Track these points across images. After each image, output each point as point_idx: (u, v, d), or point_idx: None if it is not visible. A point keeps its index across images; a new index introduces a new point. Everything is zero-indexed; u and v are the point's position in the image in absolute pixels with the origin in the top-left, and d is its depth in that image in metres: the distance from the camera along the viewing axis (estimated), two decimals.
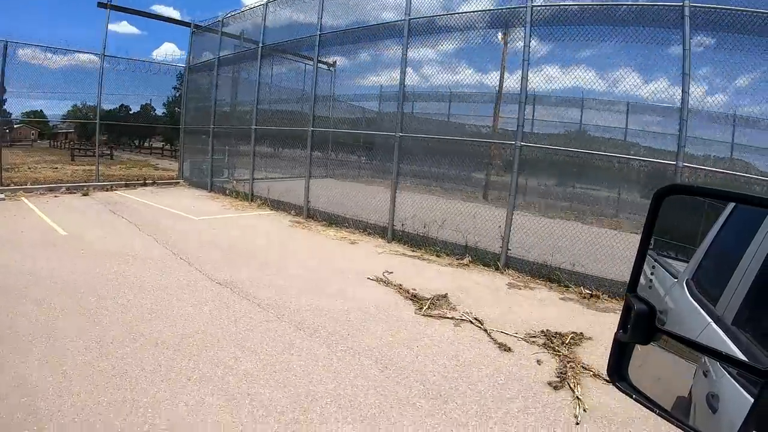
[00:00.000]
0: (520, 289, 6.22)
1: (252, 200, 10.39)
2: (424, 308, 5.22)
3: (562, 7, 6.61)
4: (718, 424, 0.82)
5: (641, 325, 0.90)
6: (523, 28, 6.55)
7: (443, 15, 7.37)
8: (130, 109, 16.45)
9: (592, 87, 6.49)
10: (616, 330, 0.94)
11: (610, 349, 1.09)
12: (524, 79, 6.54)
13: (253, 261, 6.48)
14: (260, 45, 10.07)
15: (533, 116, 6.58)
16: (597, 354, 4.24)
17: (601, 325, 4.99)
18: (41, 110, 16.29)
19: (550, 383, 3.68)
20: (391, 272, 6.31)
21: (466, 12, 6.97)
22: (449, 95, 8.00)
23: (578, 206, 6.81)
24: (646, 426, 3.08)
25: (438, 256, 7.34)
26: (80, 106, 15.44)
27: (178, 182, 12.86)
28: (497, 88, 6.93)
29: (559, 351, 4.34)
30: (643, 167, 6.20)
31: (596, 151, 6.32)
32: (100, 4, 11.42)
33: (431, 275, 6.47)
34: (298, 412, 2.92)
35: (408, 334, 4.49)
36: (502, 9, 6.72)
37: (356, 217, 8.41)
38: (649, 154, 6.37)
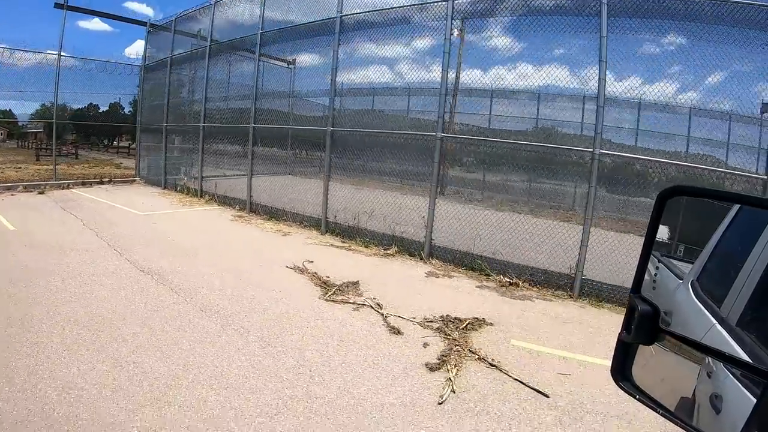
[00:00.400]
0: (438, 277, 6.32)
1: (201, 196, 10.48)
2: (329, 294, 5.32)
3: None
4: (721, 425, 0.81)
5: (645, 325, 0.90)
6: (444, 21, 6.70)
7: (371, 11, 7.51)
8: (99, 108, 16.72)
9: (510, 80, 6.64)
10: (619, 330, 0.94)
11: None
12: (444, 71, 6.65)
13: (182, 252, 6.58)
14: (208, 43, 10.22)
15: (453, 109, 6.70)
16: (490, 339, 4.35)
17: (508, 312, 5.11)
18: (10, 110, 16.44)
19: (427, 364, 3.75)
20: (312, 261, 6.41)
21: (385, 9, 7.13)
22: (373, 90, 8.12)
23: (501, 195, 6.91)
24: (510, 408, 3.17)
25: (366, 246, 7.43)
26: (48, 106, 15.52)
27: (135, 180, 12.91)
28: (416, 83, 7.05)
29: (450, 335, 4.41)
30: (563, 155, 6.31)
31: (510, 140, 6.45)
32: (57, 5, 11.56)
33: (351, 264, 6.57)
34: (171, 378, 3.21)
35: (304, 316, 4.61)
36: (423, 4, 6.85)
37: (294, 210, 8.51)
38: (567, 141, 6.50)
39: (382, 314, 4.79)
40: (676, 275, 1.05)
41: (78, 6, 11.57)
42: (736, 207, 0.99)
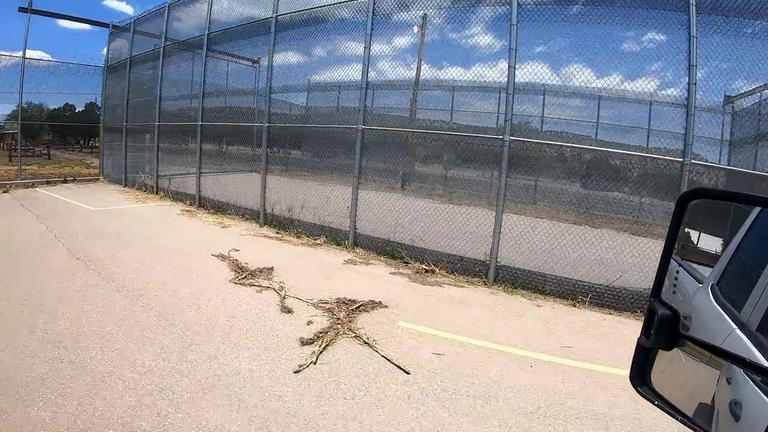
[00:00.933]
0: (355, 264, 6.58)
1: (156, 193, 10.75)
2: (240, 278, 5.60)
3: None
4: None
5: (665, 330, 0.90)
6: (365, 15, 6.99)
7: (300, 11, 7.81)
8: (75, 109, 17.07)
9: (431, 73, 6.91)
10: (639, 335, 0.95)
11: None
12: (365, 65, 6.95)
13: (120, 242, 6.83)
14: (162, 44, 10.57)
15: (372, 103, 7.00)
16: (378, 320, 4.54)
17: (410, 297, 5.31)
18: None
19: (301, 339, 3.95)
20: (238, 250, 6.68)
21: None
22: (309, 86, 8.41)
23: (423, 184, 7.19)
24: (363, 381, 3.35)
25: (298, 237, 7.71)
26: (25, 107, 15.91)
27: (99, 179, 13.15)
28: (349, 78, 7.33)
29: (336, 315, 4.64)
30: (475, 144, 6.57)
31: (427, 130, 6.74)
32: (21, 9, 11.94)
33: (275, 253, 6.84)
34: (58, 339, 3.61)
35: (207, 296, 4.86)
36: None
37: (237, 204, 8.78)
38: (481, 131, 6.76)
39: (282, 296, 5.03)
40: (695, 279, 1.03)
41: (41, 9, 11.91)
42: (757, 209, 0.95)
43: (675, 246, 0.97)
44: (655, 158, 5.81)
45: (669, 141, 5.90)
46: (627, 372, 2.98)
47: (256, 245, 7.20)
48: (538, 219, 6.67)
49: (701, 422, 0.85)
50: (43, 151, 15.58)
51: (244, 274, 5.71)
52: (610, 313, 5.25)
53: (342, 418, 2.87)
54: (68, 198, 10.52)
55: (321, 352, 3.76)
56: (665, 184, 5.68)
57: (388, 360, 3.70)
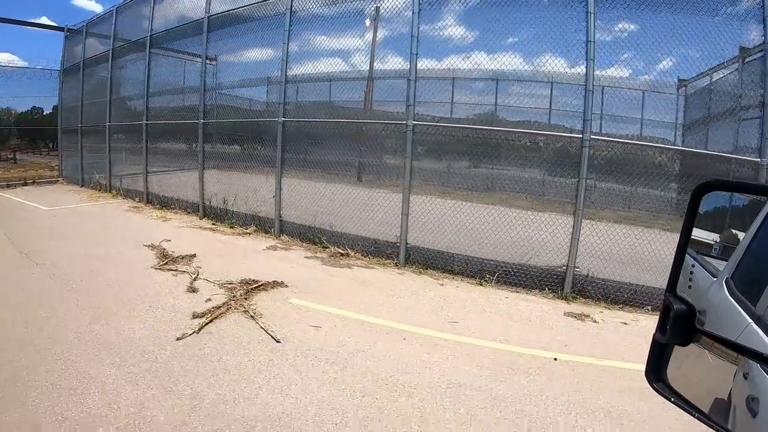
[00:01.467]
0: (276, 250, 6.94)
1: (110, 191, 11.05)
2: (162, 264, 5.99)
3: None
4: (757, 428, 0.80)
5: (680, 325, 0.89)
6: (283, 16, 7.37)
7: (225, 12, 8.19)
8: (43, 111, 17.35)
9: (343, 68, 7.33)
10: (654, 331, 0.94)
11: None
12: (284, 62, 7.32)
13: (64, 237, 7.06)
14: (111, 46, 10.94)
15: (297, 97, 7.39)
16: (273, 298, 4.86)
17: (314, 278, 5.65)
18: None
19: (194, 313, 4.25)
20: (170, 240, 7.02)
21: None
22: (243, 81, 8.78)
23: (344, 172, 7.57)
24: (234, 347, 3.68)
25: (231, 227, 8.07)
26: None
27: (59, 180, 13.40)
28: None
29: (234, 293, 5.06)
30: (386, 131, 6.95)
31: (337, 119, 7.15)
32: None
33: (204, 242, 7.18)
34: None
35: (127, 279, 5.24)
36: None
37: (180, 198, 9.18)
38: (389, 117, 7.13)
39: (193, 278, 5.40)
40: (710, 273, 1.01)
41: None
42: None
43: (689, 240, 0.94)
44: (557, 135, 6.22)
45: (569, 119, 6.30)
46: (504, 345, 3.43)
47: (188, 235, 7.57)
48: (450, 200, 6.96)
49: (718, 418, 0.84)
50: (8, 156, 15.90)
51: (166, 260, 6.08)
52: (517, 291, 5.51)
53: (200, 376, 3.20)
54: (24, 199, 10.83)
55: (207, 324, 4.08)
56: (565, 161, 6.00)
57: (264, 330, 4.00)
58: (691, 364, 0.96)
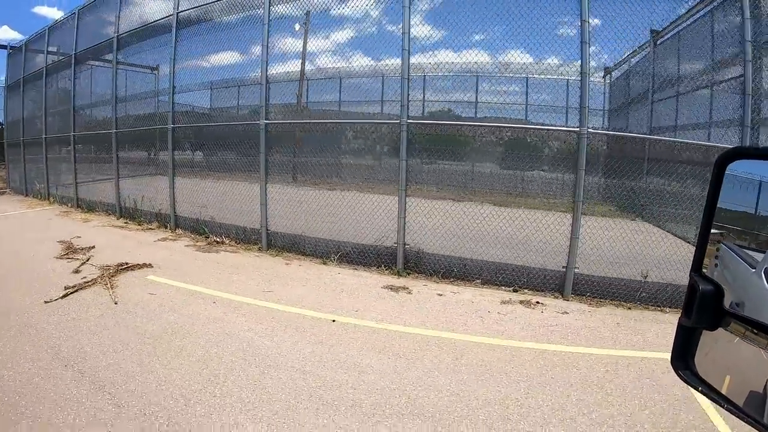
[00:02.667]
0: (165, 241, 7.92)
1: (48, 199, 12.20)
2: (64, 254, 6.97)
3: None
4: None
5: (707, 308, 0.85)
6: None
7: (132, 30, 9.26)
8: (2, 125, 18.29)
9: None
10: (680, 315, 0.91)
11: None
12: (171, 75, 8.40)
13: None
14: (45, 63, 12.07)
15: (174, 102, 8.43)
16: (136, 275, 5.87)
17: (180, 261, 6.67)
18: None
19: (66, 286, 5.25)
20: (80, 237, 8.04)
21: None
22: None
23: (220, 169, 8.54)
24: (81, 307, 4.65)
25: (139, 224, 9.10)
26: None
27: (6, 191, 14.55)
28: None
29: (105, 272, 6.09)
30: (241, 129, 7.90)
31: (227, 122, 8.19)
32: None
33: (109, 237, 8.14)
34: None
35: (29, 267, 6.21)
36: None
37: (103, 201, 10.26)
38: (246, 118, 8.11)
39: (81, 263, 6.39)
40: (748, 264, 0.93)
41: None
42: None
43: (714, 215, 0.90)
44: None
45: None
46: (297, 309, 4.64)
47: (99, 233, 8.60)
48: (301, 189, 7.73)
49: (751, 411, 0.79)
50: None
51: (68, 252, 7.09)
52: (355, 269, 6.40)
53: (51, 325, 4.18)
54: None
55: (72, 293, 5.11)
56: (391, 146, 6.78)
57: (110, 296, 5.02)
58: (721, 351, 0.91)
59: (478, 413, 2.95)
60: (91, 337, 3.99)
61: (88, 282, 5.55)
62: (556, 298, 5.57)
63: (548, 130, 5.97)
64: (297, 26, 8.13)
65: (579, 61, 5.38)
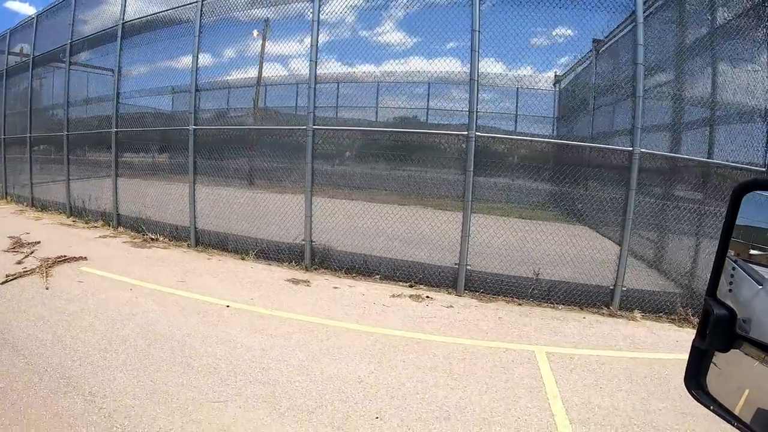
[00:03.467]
0: (105, 238, 8.56)
1: (5, 198, 12.75)
2: (11, 248, 7.56)
3: None
4: None
5: (721, 330, 0.89)
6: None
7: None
8: None
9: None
10: (694, 336, 0.95)
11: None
12: (116, 78, 9.10)
13: None
14: (6, 67, 12.70)
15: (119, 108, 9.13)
16: (71, 267, 6.49)
17: (113, 255, 7.32)
18: None
19: (7, 274, 5.87)
20: (29, 233, 8.63)
21: None
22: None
23: (158, 170, 9.22)
24: (10, 291, 5.48)
25: (86, 222, 9.71)
26: None
27: None
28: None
29: (44, 263, 6.76)
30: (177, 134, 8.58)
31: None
32: None
33: (55, 234, 8.62)
34: None
35: None
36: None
37: (56, 201, 10.90)
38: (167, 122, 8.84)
39: (26, 255, 7.02)
40: (756, 281, 0.96)
41: None
42: None
43: (730, 242, 0.94)
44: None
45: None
46: (202, 296, 5.51)
47: (47, 229, 9.22)
48: (233, 191, 8.26)
49: (760, 429, 0.83)
50: None
51: (15, 246, 7.71)
52: (269, 264, 7.11)
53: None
54: None
55: (12, 280, 5.77)
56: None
57: (44, 283, 5.71)
58: (732, 372, 0.95)
59: (317, 385, 3.46)
60: (19, 314, 4.68)
61: (27, 271, 6.22)
62: (450, 293, 6.10)
63: (441, 134, 6.71)
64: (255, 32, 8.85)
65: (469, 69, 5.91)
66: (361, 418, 3.05)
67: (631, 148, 5.59)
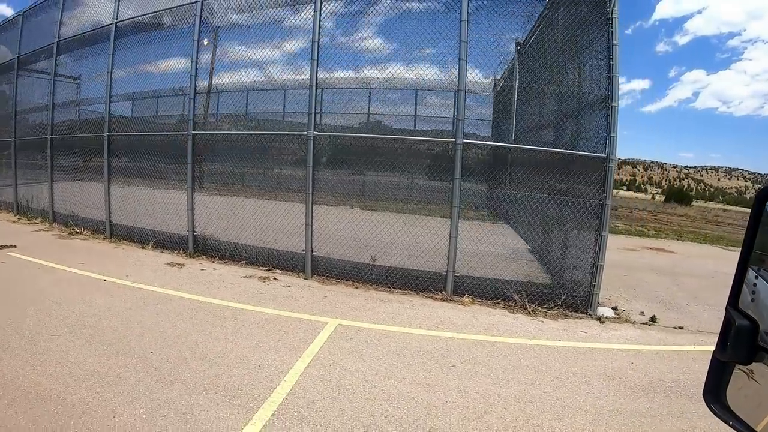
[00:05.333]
0: (38, 231, 10.16)
1: None
2: None
3: None
4: None
5: (742, 342, 0.89)
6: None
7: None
8: None
9: None
10: (714, 348, 0.96)
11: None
12: (52, 89, 10.81)
13: None
14: None
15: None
16: (2, 253, 8.31)
17: (39, 244, 8.87)
18: None
19: None
20: None
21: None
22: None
23: (87, 172, 10.83)
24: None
25: (29, 219, 11.42)
26: None
27: None
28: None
29: None
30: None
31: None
32: None
33: (1, 229, 10.63)
34: None
35: None
36: None
37: (6, 201, 12.64)
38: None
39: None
40: None
41: None
42: None
43: (752, 250, 0.94)
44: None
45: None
46: (90, 273, 7.55)
47: None
48: (142, 189, 9.77)
49: None
50: None
51: None
52: (163, 251, 8.64)
53: None
54: None
55: None
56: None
57: None
58: (753, 386, 0.94)
59: (128, 330, 4.69)
60: None
61: None
62: (299, 277, 7.17)
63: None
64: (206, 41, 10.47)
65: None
66: (137, 348, 4.44)
67: (453, 139, 6.25)
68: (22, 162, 12.22)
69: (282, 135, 8.49)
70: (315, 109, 7.10)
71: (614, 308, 6.48)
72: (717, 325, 1.03)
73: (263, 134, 8.66)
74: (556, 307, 6.10)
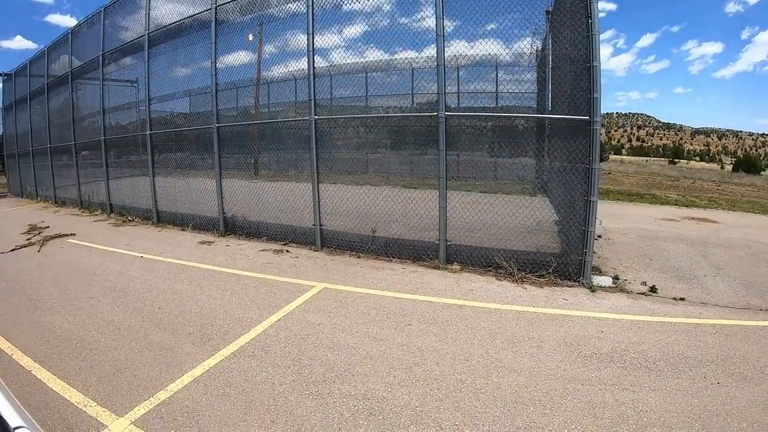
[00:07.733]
0: (97, 221, 11.79)
1: (36, 199, 16.91)
2: (27, 231, 11.15)
3: None
4: None
5: None
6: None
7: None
8: None
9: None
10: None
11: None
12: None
13: None
14: (28, 90, 16.69)
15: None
16: (63, 239, 9.65)
17: (94, 232, 10.42)
18: None
19: (17, 244, 9.30)
20: (44, 221, 12.28)
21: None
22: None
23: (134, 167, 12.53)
24: (25, 255, 9.01)
25: (90, 212, 13.29)
26: None
27: (7, 194, 19.71)
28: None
29: (44, 237, 10.26)
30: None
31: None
32: None
33: (63, 221, 12.15)
34: None
35: (4, 236, 10.49)
36: None
37: (71, 197, 14.70)
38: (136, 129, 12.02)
39: (35, 234, 10.42)
40: None
41: None
42: None
43: None
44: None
45: None
46: (134, 253, 9.62)
47: (58, 218, 12.82)
48: (179, 179, 11.44)
49: None
50: None
51: (29, 229, 11.34)
52: (198, 232, 9.95)
53: (6, 264, 8.32)
54: None
55: (19, 249, 9.01)
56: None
57: (38, 250, 9.10)
58: None
59: (150, 292, 6.10)
60: (14, 265, 7.84)
61: (31, 243, 9.57)
62: (310, 249, 8.00)
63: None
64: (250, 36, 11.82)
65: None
66: (150, 305, 5.69)
67: (436, 113, 6.61)
68: (83, 162, 14.12)
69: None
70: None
71: (615, 278, 6.38)
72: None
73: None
74: (547, 275, 6.24)
